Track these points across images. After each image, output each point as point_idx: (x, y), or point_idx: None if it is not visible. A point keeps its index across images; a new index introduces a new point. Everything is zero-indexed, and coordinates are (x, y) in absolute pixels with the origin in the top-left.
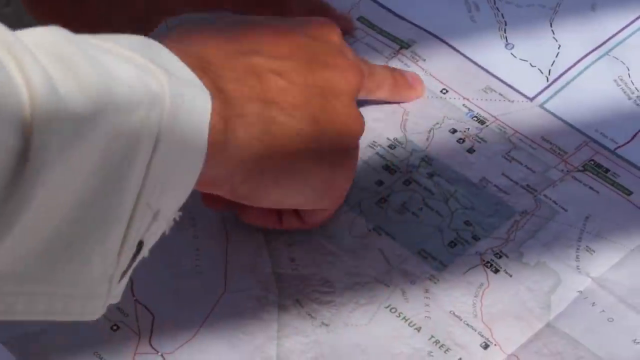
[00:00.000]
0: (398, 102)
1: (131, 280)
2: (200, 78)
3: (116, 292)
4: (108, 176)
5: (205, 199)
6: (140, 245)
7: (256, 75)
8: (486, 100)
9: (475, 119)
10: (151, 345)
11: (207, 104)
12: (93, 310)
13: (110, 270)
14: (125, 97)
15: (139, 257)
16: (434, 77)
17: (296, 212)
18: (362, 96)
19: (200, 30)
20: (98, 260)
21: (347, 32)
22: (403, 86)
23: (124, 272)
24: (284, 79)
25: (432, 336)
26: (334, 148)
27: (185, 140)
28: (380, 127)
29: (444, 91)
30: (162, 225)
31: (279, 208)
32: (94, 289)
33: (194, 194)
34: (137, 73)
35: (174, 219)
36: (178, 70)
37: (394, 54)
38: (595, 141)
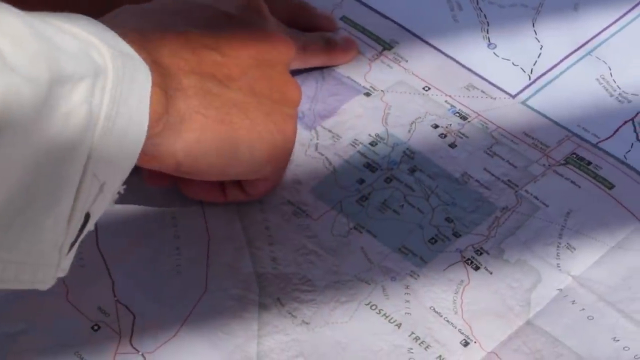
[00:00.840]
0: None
1: (112, 280)
2: (139, 53)
3: (64, 264)
4: (56, 144)
5: (147, 177)
6: (87, 217)
7: (191, 50)
8: (468, 97)
9: (458, 115)
10: (132, 345)
11: (147, 77)
12: (43, 279)
13: (60, 239)
14: (71, 69)
15: (86, 230)
16: (416, 75)
17: (239, 184)
18: (298, 66)
19: (137, 12)
20: (49, 228)
21: (330, 30)
22: (337, 52)
23: (72, 244)
24: (218, 52)
25: (412, 332)
26: (272, 116)
27: (129, 112)
28: (362, 124)
29: (426, 88)
30: (107, 198)
31: (222, 180)
32: (45, 257)
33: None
34: (81, 46)
35: (119, 192)
36: (118, 45)
37: (377, 55)
38: (577, 135)
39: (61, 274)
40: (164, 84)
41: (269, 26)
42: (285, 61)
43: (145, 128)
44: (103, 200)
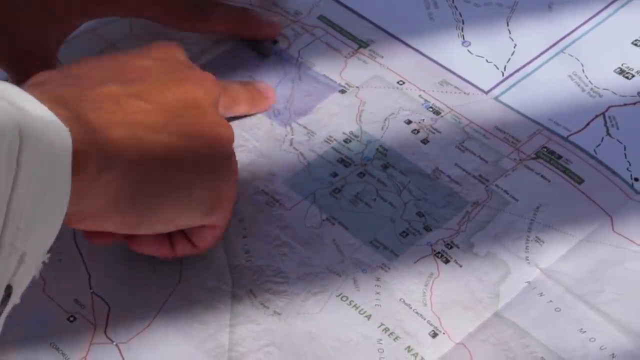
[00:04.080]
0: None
1: (88, 273)
2: (58, 113)
3: None
4: None
5: (86, 235)
6: (9, 289)
7: (115, 102)
8: (442, 92)
9: (431, 109)
10: (106, 335)
11: (66, 139)
12: None
13: None
14: None
15: (11, 303)
16: (391, 70)
17: (187, 237)
18: (221, 112)
19: (53, 74)
20: None
21: (274, 37)
22: (258, 97)
23: None
24: (143, 99)
25: (382, 324)
26: (209, 157)
27: (46, 176)
28: (336, 123)
29: (401, 82)
30: (31, 269)
31: (169, 231)
32: None
33: None
34: None
35: (43, 262)
36: (34, 108)
37: (353, 53)
38: (548, 129)
39: None
40: (91, 141)
41: (191, 68)
42: (213, 99)
43: (68, 190)
44: (26, 272)
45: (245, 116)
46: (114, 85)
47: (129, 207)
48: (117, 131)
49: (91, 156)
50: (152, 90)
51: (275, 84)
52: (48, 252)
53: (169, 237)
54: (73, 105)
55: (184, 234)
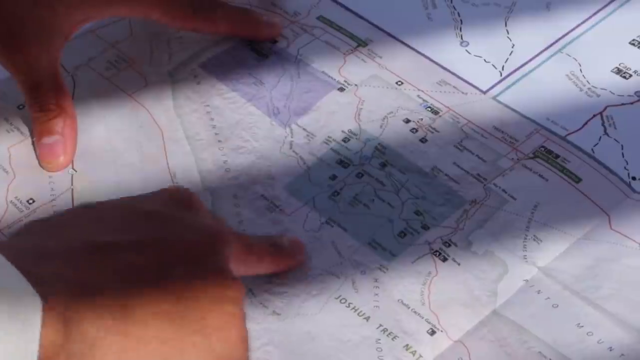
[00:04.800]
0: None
1: None
2: (29, 272)
3: None
4: None
5: None
6: None
7: (100, 256)
8: (440, 92)
9: (429, 109)
10: None
11: (34, 306)
12: None
13: None
14: None
15: None
16: (389, 70)
17: None
18: (241, 273)
19: (41, 227)
20: None
21: (275, 38)
22: (285, 257)
23: None
24: (135, 252)
25: (381, 325)
26: (209, 320)
27: (10, 350)
28: (335, 121)
29: (399, 83)
30: None
31: None
32: None
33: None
34: None
35: None
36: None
37: (352, 50)
38: (546, 129)
39: None
40: (65, 306)
41: (202, 220)
42: (222, 255)
43: None
44: None
45: (244, 114)
46: (104, 238)
47: None
48: (99, 294)
49: (58, 327)
50: (147, 241)
51: (274, 83)
52: None
53: None
54: (46, 264)
55: None
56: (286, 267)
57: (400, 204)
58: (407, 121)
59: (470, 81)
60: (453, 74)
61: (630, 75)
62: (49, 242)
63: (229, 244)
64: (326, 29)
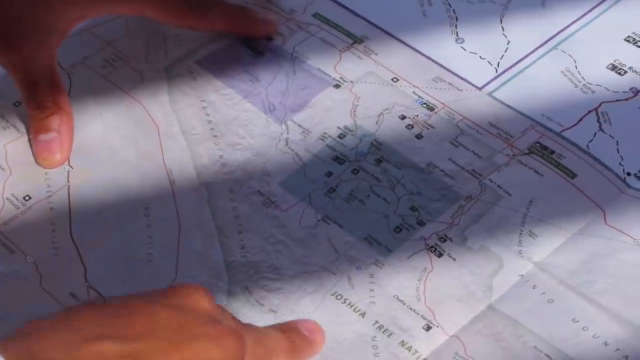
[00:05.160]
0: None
1: (84, 267)
2: None
3: None
4: None
5: None
6: None
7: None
8: (436, 88)
9: (425, 105)
10: None
11: None
12: None
13: None
14: None
15: None
16: (385, 67)
17: None
18: None
19: (45, 323)
20: None
21: (271, 35)
22: (302, 346)
23: None
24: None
25: (377, 321)
26: None
27: None
28: (331, 118)
29: (395, 79)
30: None
31: None
32: None
33: (145, 181)
34: None
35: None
36: None
37: (347, 47)
38: (542, 125)
39: None
40: None
41: (211, 320)
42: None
43: None
44: None
45: (240, 111)
46: (109, 343)
47: None
48: None
49: None
50: (156, 351)
51: (270, 80)
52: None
53: None
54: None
55: None
56: (304, 358)
57: (395, 199)
58: (403, 117)
59: (466, 78)
60: (448, 70)
61: (625, 72)
62: (50, 345)
63: (242, 349)
64: (322, 26)
